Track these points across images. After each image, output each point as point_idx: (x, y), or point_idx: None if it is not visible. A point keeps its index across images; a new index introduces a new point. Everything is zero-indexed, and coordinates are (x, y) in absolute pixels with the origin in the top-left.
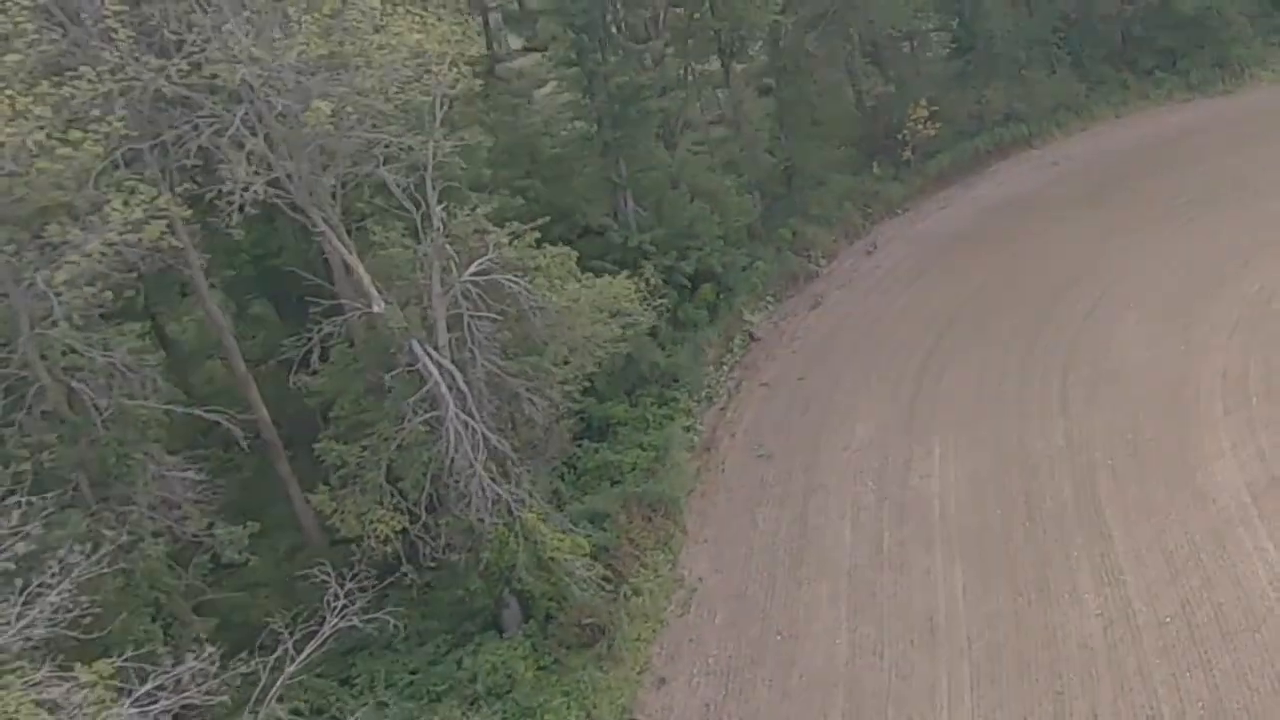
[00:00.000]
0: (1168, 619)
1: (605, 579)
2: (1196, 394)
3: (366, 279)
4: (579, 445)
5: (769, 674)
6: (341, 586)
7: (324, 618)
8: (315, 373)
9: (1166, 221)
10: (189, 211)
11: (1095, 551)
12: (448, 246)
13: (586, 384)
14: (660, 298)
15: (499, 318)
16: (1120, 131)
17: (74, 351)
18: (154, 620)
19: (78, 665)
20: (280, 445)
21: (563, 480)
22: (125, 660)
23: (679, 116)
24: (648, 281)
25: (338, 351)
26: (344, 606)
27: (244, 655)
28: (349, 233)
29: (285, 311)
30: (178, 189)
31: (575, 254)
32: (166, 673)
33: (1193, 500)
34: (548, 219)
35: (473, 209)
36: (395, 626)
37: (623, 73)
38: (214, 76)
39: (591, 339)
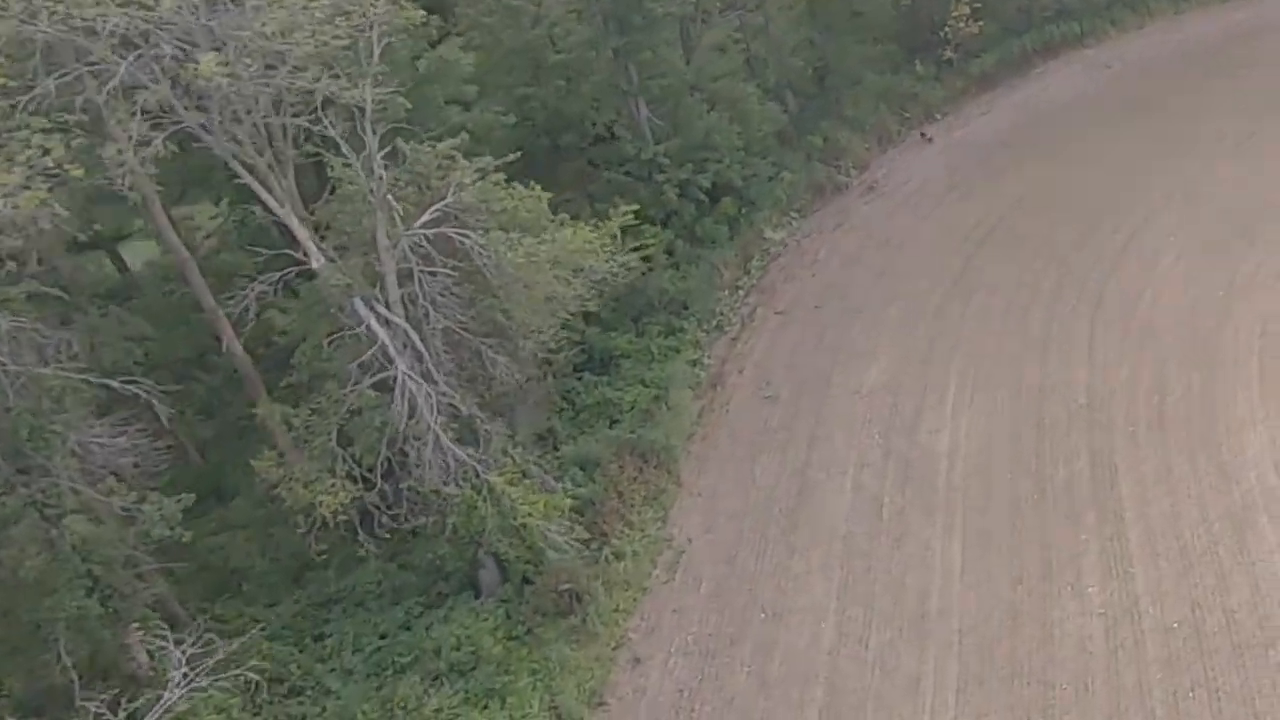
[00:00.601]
0: (1175, 624)
1: (587, 540)
2: (1233, 348)
3: (303, 233)
4: (579, 379)
5: (749, 657)
6: (183, 651)
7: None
8: (280, 309)
9: (1223, 136)
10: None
11: (1105, 534)
12: (390, 198)
13: (588, 311)
14: (672, 213)
15: (453, 273)
16: (1179, 31)
17: None
18: (89, 595)
19: None
20: (259, 381)
21: (560, 415)
22: None
23: (696, 17)
24: (661, 195)
25: (306, 288)
26: (185, 676)
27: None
28: (296, 175)
29: None
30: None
31: (547, 195)
32: None
33: (1216, 477)
34: (520, 152)
35: (434, 144)
36: (370, 583)
37: None
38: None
39: (553, 299)
